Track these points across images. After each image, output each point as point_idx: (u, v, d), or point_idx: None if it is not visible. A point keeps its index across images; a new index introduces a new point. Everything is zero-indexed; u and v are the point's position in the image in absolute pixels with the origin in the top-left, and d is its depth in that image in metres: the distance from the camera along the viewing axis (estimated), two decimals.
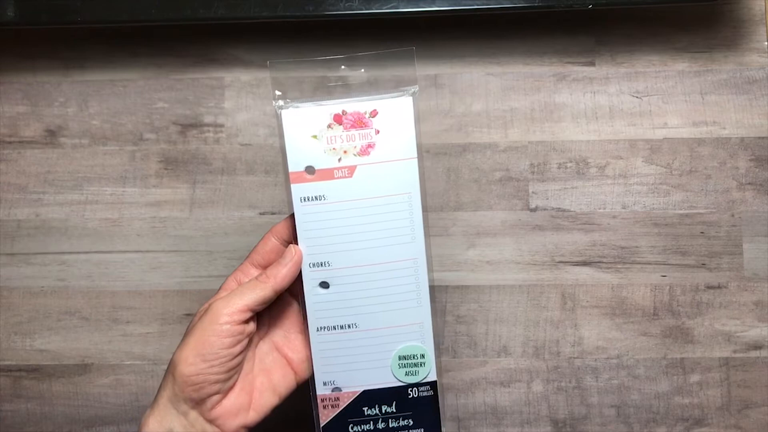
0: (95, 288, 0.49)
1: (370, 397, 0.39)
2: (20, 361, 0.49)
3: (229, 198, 0.49)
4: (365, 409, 0.39)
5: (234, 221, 0.49)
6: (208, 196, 0.49)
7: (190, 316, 0.49)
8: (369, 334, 0.39)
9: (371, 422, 0.39)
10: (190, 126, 0.49)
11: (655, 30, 0.49)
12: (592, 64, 0.49)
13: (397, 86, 0.39)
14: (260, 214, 0.49)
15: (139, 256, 0.49)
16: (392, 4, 0.45)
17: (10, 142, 0.50)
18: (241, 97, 0.49)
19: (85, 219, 0.49)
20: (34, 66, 0.50)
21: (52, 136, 0.50)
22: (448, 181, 0.49)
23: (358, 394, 0.39)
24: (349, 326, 0.39)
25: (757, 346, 0.48)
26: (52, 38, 0.50)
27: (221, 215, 0.49)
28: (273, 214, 0.49)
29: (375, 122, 0.38)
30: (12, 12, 0.45)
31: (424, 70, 0.49)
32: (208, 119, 0.49)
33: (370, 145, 0.38)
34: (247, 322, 0.36)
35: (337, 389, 0.39)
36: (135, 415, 0.49)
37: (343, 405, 0.39)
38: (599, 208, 0.48)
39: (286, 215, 0.49)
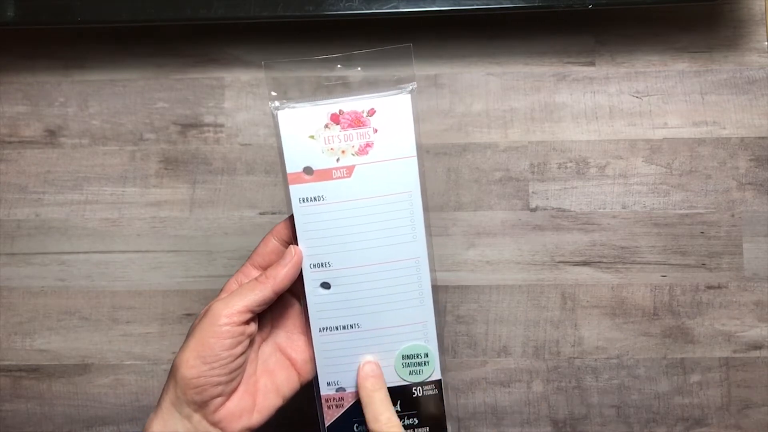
0: (95, 288, 0.49)
1: None
2: (20, 361, 0.49)
3: (229, 198, 0.49)
4: None
5: (234, 221, 0.49)
6: (208, 196, 0.49)
7: (190, 316, 0.49)
8: (372, 333, 0.39)
9: None
10: (190, 126, 0.49)
11: (655, 30, 0.49)
12: (592, 64, 0.49)
13: (395, 84, 0.39)
14: (260, 214, 0.49)
15: (139, 256, 0.49)
16: (392, 4, 0.45)
17: (10, 142, 0.50)
18: (241, 97, 0.49)
19: (85, 219, 0.49)
20: (34, 66, 0.50)
21: (52, 136, 0.50)
22: (448, 181, 0.49)
23: None
24: (351, 326, 0.39)
25: (757, 346, 0.48)
26: (52, 38, 0.50)
27: (221, 215, 0.49)
28: (273, 214, 0.49)
29: (373, 121, 0.38)
30: (12, 12, 0.45)
31: (424, 70, 0.49)
32: (208, 119, 0.49)
33: (368, 145, 0.38)
34: (247, 323, 0.36)
35: (341, 389, 0.39)
36: (135, 415, 0.49)
37: (347, 405, 0.39)
38: (599, 208, 0.48)
39: (286, 215, 0.49)
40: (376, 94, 0.38)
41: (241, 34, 0.49)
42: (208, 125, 0.49)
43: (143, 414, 0.49)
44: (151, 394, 0.49)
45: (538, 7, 0.45)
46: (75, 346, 0.49)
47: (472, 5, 0.44)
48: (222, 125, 0.49)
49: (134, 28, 0.50)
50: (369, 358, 0.39)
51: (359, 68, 0.40)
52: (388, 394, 0.38)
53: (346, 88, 0.40)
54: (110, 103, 0.50)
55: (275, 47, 0.49)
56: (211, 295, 0.49)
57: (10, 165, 0.50)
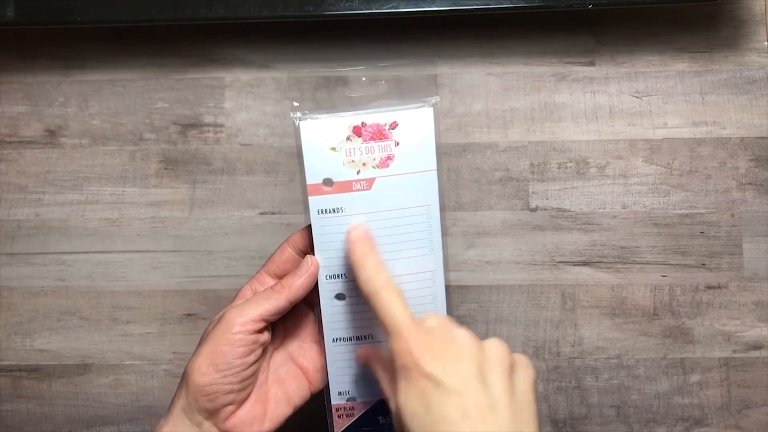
0: (95, 288, 0.49)
1: (384, 406, 0.39)
2: (20, 361, 0.49)
3: (229, 198, 0.49)
4: (380, 417, 0.39)
5: (234, 221, 0.49)
6: (208, 196, 0.49)
7: (190, 316, 0.49)
8: (385, 345, 0.39)
9: (385, 430, 0.39)
10: (190, 126, 0.49)
11: (655, 30, 0.49)
12: (592, 64, 0.49)
13: (417, 96, 0.38)
14: (260, 214, 0.49)
15: (139, 256, 0.49)
16: (392, 4, 0.45)
17: (10, 142, 0.50)
18: (241, 97, 0.49)
19: (85, 219, 0.49)
20: (34, 66, 0.50)
21: (52, 136, 0.50)
22: (448, 181, 0.49)
23: (373, 403, 0.39)
24: (364, 338, 0.38)
25: (757, 346, 0.48)
26: (52, 38, 0.50)
27: (221, 215, 0.49)
28: (273, 214, 0.49)
29: (395, 134, 0.37)
30: (12, 12, 0.45)
31: (425, 70, 0.49)
32: (208, 119, 0.49)
33: (389, 158, 0.37)
34: (260, 331, 0.36)
35: (352, 399, 0.39)
36: (135, 415, 0.49)
37: (357, 414, 0.39)
38: (599, 208, 0.48)
39: (287, 214, 0.49)
40: (399, 107, 0.38)
41: (241, 34, 0.49)
42: (208, 125, 0.49)
43: (143, 414, 0.49)
44: (151, 394, 0.49)
45: (538, 7, 0.45)
46: (75, 346, 0.49)
47: (472, 5, 0.44)
48: (222, 125, 0.49)
49: (134, 28, 0.50)
50: (355, 223, 0.37)
51: (383, 81, 0.40)
52: (381, 259, 0.36)
53: (368, 99, 0.40)
54: (110, 103, 0.50)
55: (275, 47, 0.49)
56: (211, 296, 0.49)
57: (10, 165, 0.50)
